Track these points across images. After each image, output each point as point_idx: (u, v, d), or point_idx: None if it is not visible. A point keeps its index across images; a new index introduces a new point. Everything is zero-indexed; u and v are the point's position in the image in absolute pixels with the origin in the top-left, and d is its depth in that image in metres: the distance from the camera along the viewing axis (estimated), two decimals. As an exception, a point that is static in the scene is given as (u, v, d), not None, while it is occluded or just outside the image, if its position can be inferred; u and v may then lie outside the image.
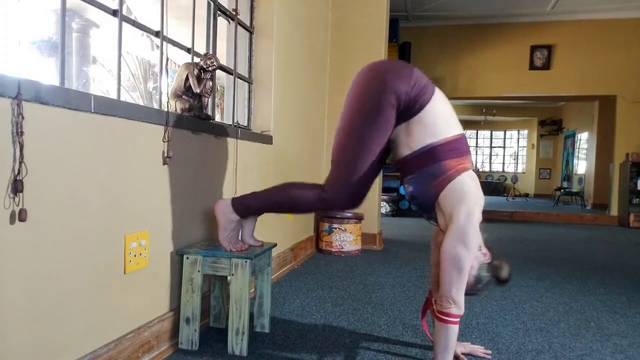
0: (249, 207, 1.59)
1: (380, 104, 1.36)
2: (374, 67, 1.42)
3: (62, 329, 1.13)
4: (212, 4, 2.12)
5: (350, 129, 1.42)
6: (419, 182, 1.42)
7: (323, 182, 1.51)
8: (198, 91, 1.66)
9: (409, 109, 1.37)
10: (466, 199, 1.34)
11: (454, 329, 1.35)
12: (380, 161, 1.48)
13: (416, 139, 1.39)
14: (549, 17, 6.73)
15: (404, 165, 1.45)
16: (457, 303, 1.34)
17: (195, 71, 1.66)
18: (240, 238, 1.68)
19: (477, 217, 1.35)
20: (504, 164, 15.51)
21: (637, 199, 6.41)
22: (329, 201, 1.48)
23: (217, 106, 5.58)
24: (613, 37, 6.62)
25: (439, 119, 1.38)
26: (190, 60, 1.87)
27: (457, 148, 1.39)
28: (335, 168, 1.47)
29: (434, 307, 1.40)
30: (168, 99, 1.68)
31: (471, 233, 1.32)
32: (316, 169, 3.53)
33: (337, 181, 1.46)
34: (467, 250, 1.32)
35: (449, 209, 1.36)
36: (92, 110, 1.19)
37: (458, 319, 1.35)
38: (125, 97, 3.77)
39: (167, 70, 1.73)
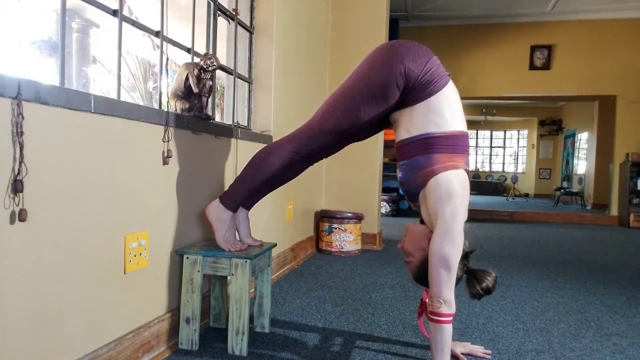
0: (236, 195, 1.59)
1: (386, 80, 1.37)
2: (395, 44, 1.42)
3: (62, 329, 1.13)
4: (212, 4, 2.12)
5: (348, 91, 1.44)
6: (408, 169, 1.44)
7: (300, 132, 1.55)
8: (197, 91, 1.66)
9: (415, 94, 1.38)
10: (451, 198, 1.34)
11: (448, 328, 1.35)
12: (366, 131, 1.51)
13: (417, 124, 1.40)
14: (549, 17, 6.73)
15: (400, 149, 1.47)
16: (447, 302, 1.33)
17: (195, 71, 1.66)
18: (238, 239, 1.68)
19: (463, 215, 1.35)
20: (504, 164, 15.51)
21: (637, 199, 6.41)
22: (303, 143, 1.51)
23: (217, 106, 5.58)
24: (613, 37, 6.62)
25: (445, 111, 1.39)
26: (190, 60, 1.87)
27: (454, 144, 1.39)
28: (318, 117, 1.49)
29: (427, 308, 1.40)
30: (168, 99, 1.68)
31: (458, 230, 1.33)
32: (316, 168, 3.53)
33: (314, 129, 1.49)
34: (455, 249, 1.32)
35: (433, 206, 1.36)
36: (92, 110, 1.19)
37: (450, 318, 1.35)
38: (125, 97, 3.77)
39: (167, 70, 1.73)
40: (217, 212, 1.60)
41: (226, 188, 1.98)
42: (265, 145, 1.59)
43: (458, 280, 1.47)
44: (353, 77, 1.45)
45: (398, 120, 1.46)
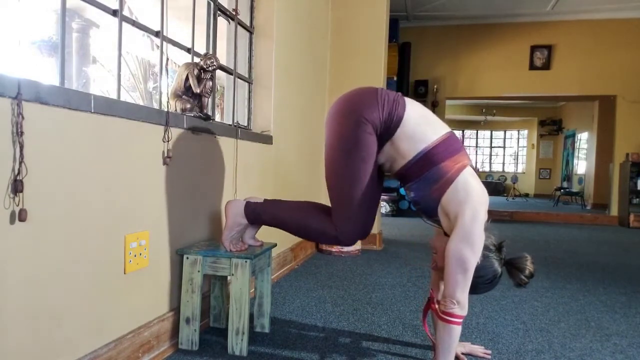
0: (260, 218, 1.60)
1: (357, 137, 1.38)
2: (344, 101, 1.44)
3: (62, 329, 1.13)
4: (212, 4, 2.12)
5: (336, 167, 1.43)
6: (420, 188, 1.41)
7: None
8: (198, 91, 1.66)
9: (388, 129, 1.39)
10: (470, 198, 1.33)
11: (457, 330, 1.34)
12: (377, 186, 1.49)
13: (407, 150, 1.39)
14: (549, 17, 6.73)
15: (403, 176, 1.45)
16: (461, 304, 1.33)
17: (195, 71, 1.66)
18: (240, 239, 1.68)
19: (483, 217, 1.34)
20: (504, 164, 15.51)
21: (637, 199, 6.41)
22: (340, 239, 1.48)
23: (217, 106, 5.58)
24: (613, 37, 6.62)
25: (421, 124, 1.39)
26: (190, 60, 1.87)
27: (450, 146, 1.38)
28: (335, 208, 1.47)
29: (438, 307, 1.39)
30: (168, 99, 1.68)
31: (477, 234, 1.31)
32: (316, 168, 3.53)
33: (341, 220, 1.46)
34: (473, 251, 1.31)
35: (454, 210, 1.35)
36: (92, 110, 1.19)
37: (461, 320, 1.35)
38: (125, 97, 3.77)
39: (167, 70, 1.73)
40: (236, 213, 1.60)
41: (226, 188, 1.98)
42: (320, 208, 1.57)
43: (500, 276, 1.44)
44: (331, 155, 1.44)
45: (387, 158, 1.45)
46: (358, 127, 1.38)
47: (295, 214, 1.55)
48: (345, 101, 1.44)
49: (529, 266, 1.43)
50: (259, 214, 1.59)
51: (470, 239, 1.31)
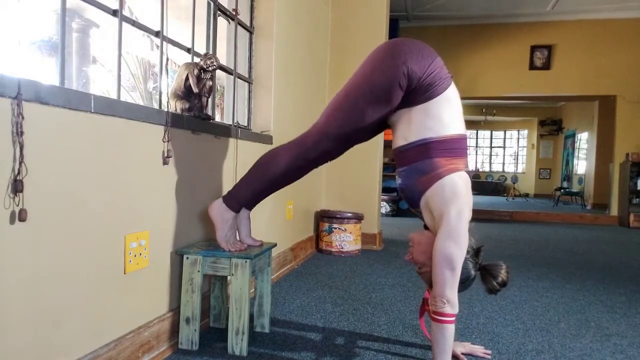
0: (240, 196, 1.58)
1: (389, 81, 1.35)
2: (398, 43, 1.39)
3: (62, 329, 1.13)
4: (212, 4, 2.12)
5: (351, 93, 1.42)
6: (408, 176, 1.43)
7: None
8: (197, 91, 1.66)
9: (417, 95, 1.37)
10: (456, 198, 1.34)
11: (451, 328, 1.34)
12: (370, 132, 1.49)
13: (413, 131, 1.39)
14: (549, 17, 6.73)
15: (398, 156, 1.46)
16: (451, 302, 1.33)
17: (195, 71, 1.66)
18: (238, 239, 1.68)
19: (467, 215, 1.35)
20: (504, 164, 15.52)
21: (637, 199, 6.41)
22: (309, 147, 1.49)
23: (217, 106, 5.58)
24: (613, 37, 6.62)
25: (444, 114, 1.38)
26: (190, 60, 1.87)
27: (453, 148, 1.38)
28: (322, 120, 1.48)
29: (429, 307, 1.40)
30: (168, 99, 1.68)
31: (463, 232, 1.32)
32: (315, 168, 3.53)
33: (319, 133, 1.47)
34: (459, 249, 1.32)
35: (439, 207, 1.35)
36: (92, 110, 1.19)
37: (453, 318, 1.35)
38: (125, 97, 3.76)
39: (167, 70, 1.73)
40: (219, 211, 1.60)
41: (226, 188, 1.98)
42: (271, 148, 1.58)
43: (472, 279, 1.46)
44: (355, 78, 1.43)
45: (395, 124, 1.46)
46: (396, 72, 1.33)
47: (260, 168, 1.55)
48: (403, 43, 1.38)
49: (503, 275, 1.44)
50: (237, 195, 1.58)
51: (456, 236, 1.31)
